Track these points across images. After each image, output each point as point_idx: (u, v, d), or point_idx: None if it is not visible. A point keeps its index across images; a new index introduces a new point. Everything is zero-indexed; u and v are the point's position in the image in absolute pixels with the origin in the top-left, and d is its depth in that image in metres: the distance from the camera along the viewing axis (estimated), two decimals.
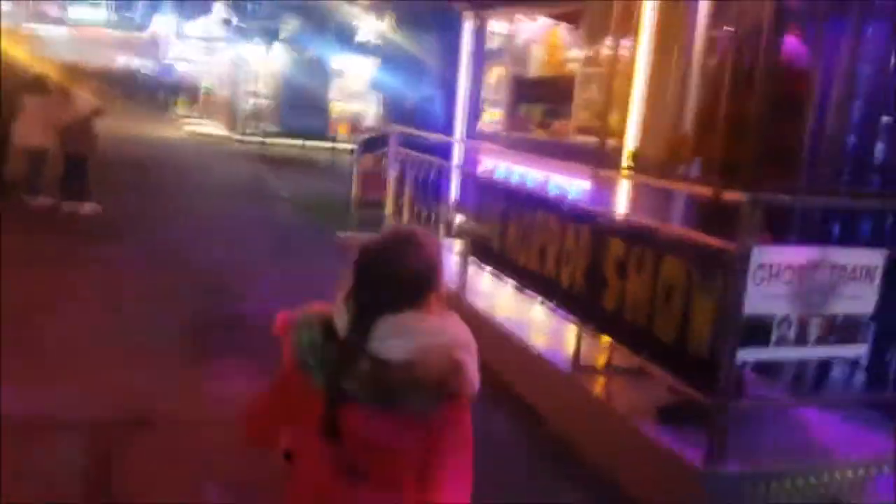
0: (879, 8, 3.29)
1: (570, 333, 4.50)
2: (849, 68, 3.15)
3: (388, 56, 15.14)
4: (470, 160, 8.06)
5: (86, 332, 5.04)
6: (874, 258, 3.22)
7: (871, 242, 3.74)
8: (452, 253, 6.70)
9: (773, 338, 3.12)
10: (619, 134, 5.38)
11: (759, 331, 3.10)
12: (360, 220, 9.14)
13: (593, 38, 6.30)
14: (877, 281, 3.22)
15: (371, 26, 15.69)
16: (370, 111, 23.18)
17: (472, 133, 8.33)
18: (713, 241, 3.16)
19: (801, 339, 3.16)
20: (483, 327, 5.08)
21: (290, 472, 1.75)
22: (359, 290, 1.61)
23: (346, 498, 1.63)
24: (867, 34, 3.01)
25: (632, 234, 3.68)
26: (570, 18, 7.08)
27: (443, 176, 8.13)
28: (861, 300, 3.23)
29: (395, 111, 14.63)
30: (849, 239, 3.75)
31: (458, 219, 7.41)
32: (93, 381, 4.21)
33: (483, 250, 5.36)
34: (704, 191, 3.36)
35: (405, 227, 2.05)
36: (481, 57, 8.45)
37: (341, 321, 1.60)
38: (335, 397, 1.58)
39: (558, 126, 6.98)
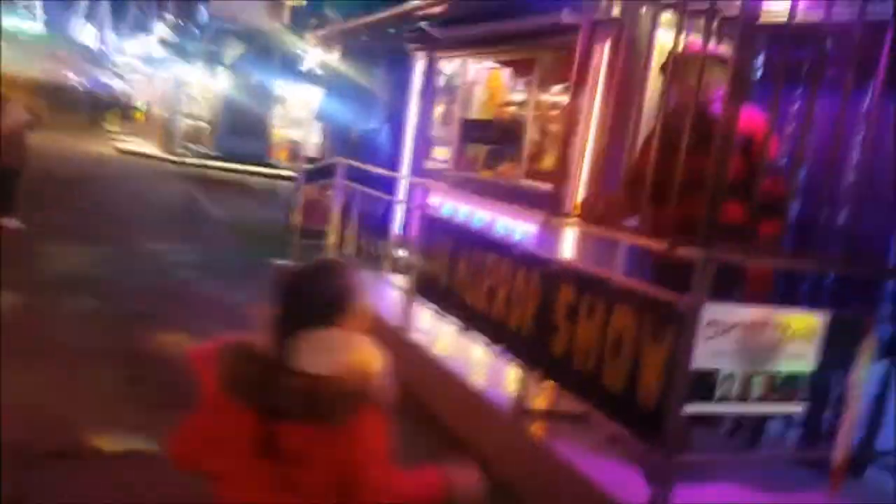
0: (831, 79, 3.46)
1: (514, 376, 4.50)
2: (802, 133, 3.28)
3: (334, 86, 15.07)
4: (416, 196, 8.08)
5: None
6: (813, 318, 3.32)
7: (816, 300, 3.88)
8: (395, 289, 6.66)
9: (717, 393, 3.18)
10: (571, 181, 5.47)
11: (704, 385, 3.15)
12: (301, 250, 9.03)
13: (545, 84, 6.42)
14: (817, 340, 3.33)
15: (317, 56, 15.65)
16: (312, 139, 23.05)
17: (419, 170, 8.36)
18: (665, 295, 3.21)
19: (743, 396, 3.23)
20: (426, 366, 5.05)
21: (216, 493, 1.84)
22: (282, 313, 1.79)
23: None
24: (819, 102, 3.17)
25: (583, 281, 3.72)
26: (518, 64, 7.21)
27: (388, 210, 8.14)
28: (802, 359, 3.32)
29: (339, 142, 14.53)
30: (794, 297, 3.90)
31: (401, 254, 7.41)
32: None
33: (429, 288, 5.33)
34: (658, 245, 3.42)
35: (324, 258, 2.36)
36: (431, 96, 8.53)
37: (266, 342, 1.76)
38: (267, 415, 1.71)
39: (504, 168, 7.06)
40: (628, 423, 3.37)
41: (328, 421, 1.69)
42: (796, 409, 3.42)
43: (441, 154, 8.16)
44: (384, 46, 12.01)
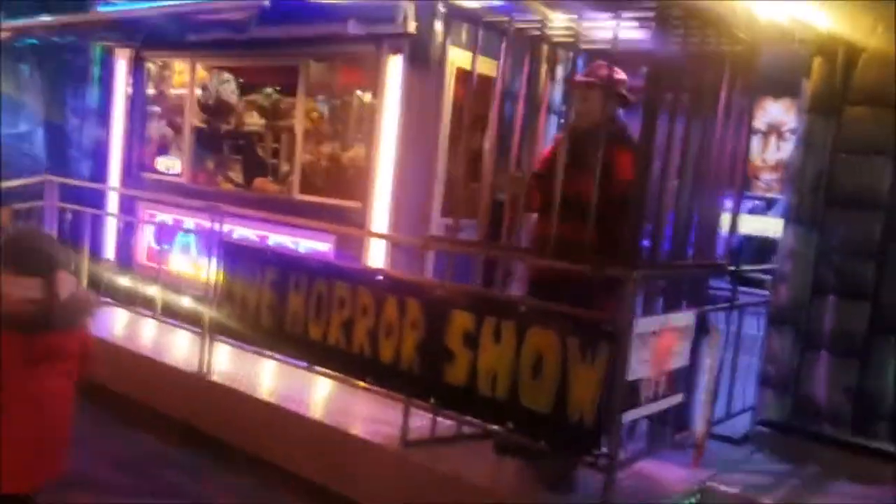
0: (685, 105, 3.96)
1: (384, 410, 4.30)
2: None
3: None
4: (136, 211, 7.13)
5: None
6: (689, 318, 3.79)
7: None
8: (158, 323, 5.88)
9: (642, 398, 3.46)
10: (373, 196, 5.35)
11: (633, 393, 3.41)
12: None
13: (314, 95, 6.14)
14: (691, 336, 3.81)
15: None
16: None
17: (136, 182, 7.38)
18: (592, 314, 3.38)
19: (655, 396, 3.57)
20: (267, 417, 4.56)
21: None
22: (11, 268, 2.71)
23: (43, 391, 2.72)
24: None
25: (481, 305, 3.71)
26: (268, 72, 6.78)
27: (99, 228, 7.04)
28: (683, 355, 3.77)
29: None
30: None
31: (132, 281, 6.55)
32: None
33: (241, 326, 4.79)
34: (580, 266, 3.55)
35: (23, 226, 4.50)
36: (141, 99, 7.56)
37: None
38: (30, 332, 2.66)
39: (263, 182, 6.60)
40: (559, 440, 3.48)
41: (64, 328, 2.72)
42: (680, 399, 3.88)
43: (167, 165, 7.30)
44: (32, 39, 10.27)
